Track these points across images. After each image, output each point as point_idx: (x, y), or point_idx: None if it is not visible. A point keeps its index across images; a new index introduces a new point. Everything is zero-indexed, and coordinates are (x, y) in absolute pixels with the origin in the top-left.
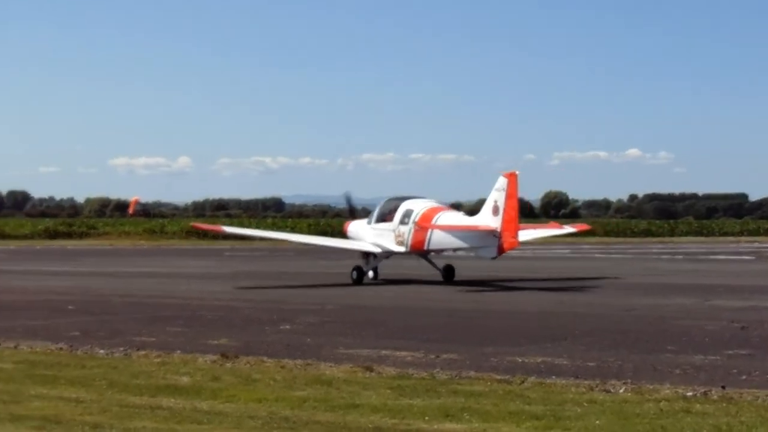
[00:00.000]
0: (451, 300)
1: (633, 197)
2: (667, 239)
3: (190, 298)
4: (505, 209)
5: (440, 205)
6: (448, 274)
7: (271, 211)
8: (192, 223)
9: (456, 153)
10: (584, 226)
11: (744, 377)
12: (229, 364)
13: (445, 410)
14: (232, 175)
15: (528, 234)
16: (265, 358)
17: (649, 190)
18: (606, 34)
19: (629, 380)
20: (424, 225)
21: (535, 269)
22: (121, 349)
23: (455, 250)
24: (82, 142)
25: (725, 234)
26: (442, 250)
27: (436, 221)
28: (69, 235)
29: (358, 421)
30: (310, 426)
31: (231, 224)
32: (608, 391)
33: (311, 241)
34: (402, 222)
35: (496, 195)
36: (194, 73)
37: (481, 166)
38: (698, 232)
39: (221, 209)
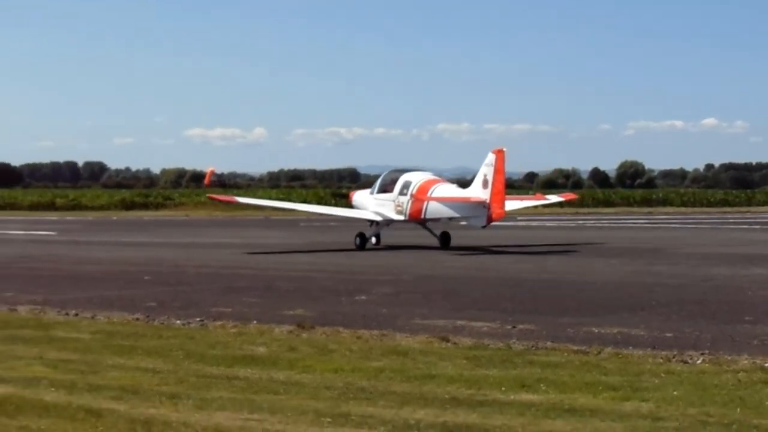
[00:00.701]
0: (518, 270)
1: (709, 167)
2: (744, 209)
3: (265, 269)
4: (493, 183)
5: (436, 178)
6: (445, 241)
7: (346, 181)
8: (208, 195)
9: (531, 123)
10: (571, 196)
11: None
12: (305, 335)
13: (521, 381)
14: (307, 146)
15: (514, 204)
16: (341, 329)
17: (726, 160)
18: (682, 4)
19: (707, 351)
20: (420, 196)
21: (605, 238)
22: (198, 319)
23: (450, 219)
24: (158, 114)
25: None
26: (437, 219)
27: (431, 193)
28: (145, 206)
29: (434, 392)
30: (386, 396)
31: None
32: (685, 362)
33: (318, 210)
34: (401, 193)
35: (486, 170)
36: (269, 44)
37: (556, 136)
38: None
39: (296, 180)
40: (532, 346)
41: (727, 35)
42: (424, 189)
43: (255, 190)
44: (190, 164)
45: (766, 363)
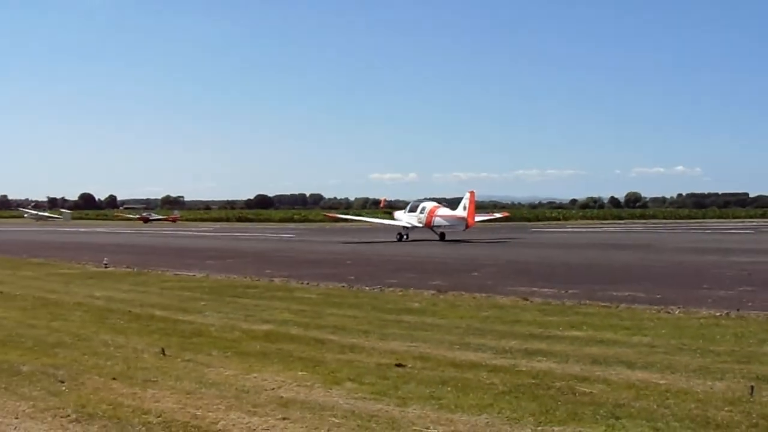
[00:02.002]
0: (566, 258)
1: (680, 195)
2: (700, 221)
3: (418, 257)
4: (468, 208)
5: (438, 204)
6: (442, 237)
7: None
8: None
9: (572, 169)
10: (506, 213)
11: (750, 304)
12: (442, 296)
13: (571, 324)
14: (442, 184)
15: (479, 218)
16: (463, 293)
17: (689, 191)
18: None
19: (681, 306)
20: (431, 214)
21: (617, 239)
22: (378, 286)
23: (445, 226)
24: (356, 163)
25: None
26: (439, 226)
27: (437, 212)
28: (345, 220)
29: (519, 330)
30: (491, 333)
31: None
32: (669, 313)
33: (377, 220)
34: (420, 212)
35: (465, 201)
36: (436, 102)
37: (587, 177)
38: None
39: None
40: (577, 303)
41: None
42: (432, 211)
43: None
44: (372, 195)
45: (716, 313)
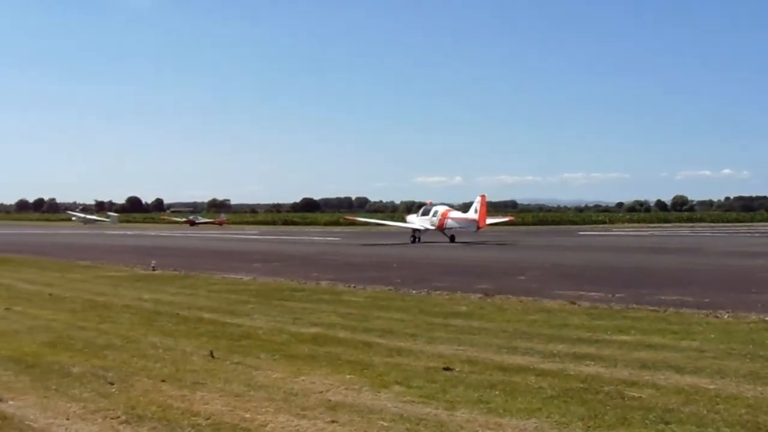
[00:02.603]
0: (614, 260)
1: (727, 198)
2: (748, 224)
3: (464, 259)
4: (479, 210)
5: (449, 208)
6: (452, 239)
7: (508, 207)
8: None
9: (619, 173)
10: (511, 218)
11: None
12: (489, 299)
13: (619, 328)
14: (487, 186)
15: (490, 220)
16: (510, 296)
17: (737, 194)
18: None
19: (730, 310)
20: (443, 217)
21: (665, 242)
22: (425, 290)
23: (457, 228)
24: (398, 167)
25: None
26: (450, 228)
27: (449, 215)
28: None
29: (567, 334)
30: (538, 337)
31: None
32: (717, 317)
33: (391, 223)
34: (433, 215)
35: (476, 204)
36: (457, 105)
37: (633, 180)
38: None
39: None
40: (625, 307)
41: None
42: (445, 214)
43: None
44: (417, 198)
45: (766, 318)
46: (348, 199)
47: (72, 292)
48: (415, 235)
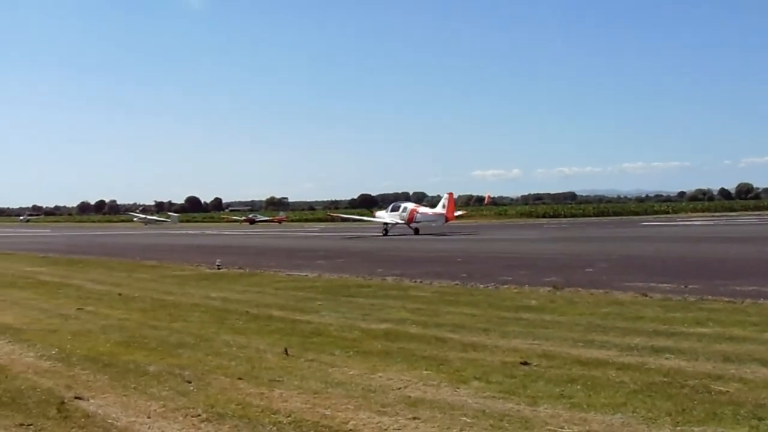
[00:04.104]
0: (681, 250)
1: None
2: None
3: (528, 253)
4: (447, 206)
5: (418, 205)
6: (416, 231)
7: (568, 200)
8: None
9: (681, 161)
10: (462, 213)
11: None
12: (558, 293)
13: (696, 320)
14: (544, 179)
15: (456, 213)
16: (580, 289)
17: None
18: None
19: None
20: (412, 212)
21: (733, 232)
22: (492, 284)
23: (426, 222)
24: (454, 158)
25: None
26: (419, 222)
27: (417, 210)
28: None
29: (642, 327)
30: (613, 330)
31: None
32: None
33: (367, 218)
34: (402, 210)
35: (444, 200)
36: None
37: (696, 169)
38: None
39: (538, 200)
40: (700, 298)
41: None
42: (414, 209)
43: (513, 207)
44: (475, 192)
45: None
46: (405, 195)
47: (140, 291)
48: (385, 228)
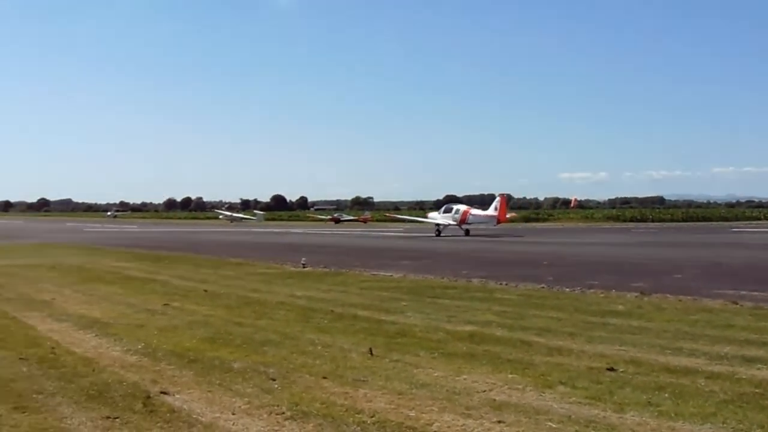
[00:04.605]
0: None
1: None
2: None
3: (615, 258)
4: (499, 207)
5: (469, 207)
6: (467, 233)
7: (656, 204)
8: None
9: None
10: (514, 215)
11: None
12: (646, 298)
13: None
14: (633, 183)
15: (508, 215)
16: (668, 295)
17: None
18: None
19: None
20: (465, 213)
21: None
22: (579, 288)
23: (478, 223)
24: (541, 160)
25: None
26: (471, 223)
27: (470, 212)
28: (536, 220)
29: (733, 336)
30: (702, 338)
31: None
32: None
33: (420, 219)
34: (455, 212)
35: (496, 202)
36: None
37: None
38: None
39: (626, 203)
40: None
41: None
42: (467, 211)
43: (600, 210)
44: (562, 194)
45: None
46: (492, 196)
47: (226, 288)
48: (438, 229)
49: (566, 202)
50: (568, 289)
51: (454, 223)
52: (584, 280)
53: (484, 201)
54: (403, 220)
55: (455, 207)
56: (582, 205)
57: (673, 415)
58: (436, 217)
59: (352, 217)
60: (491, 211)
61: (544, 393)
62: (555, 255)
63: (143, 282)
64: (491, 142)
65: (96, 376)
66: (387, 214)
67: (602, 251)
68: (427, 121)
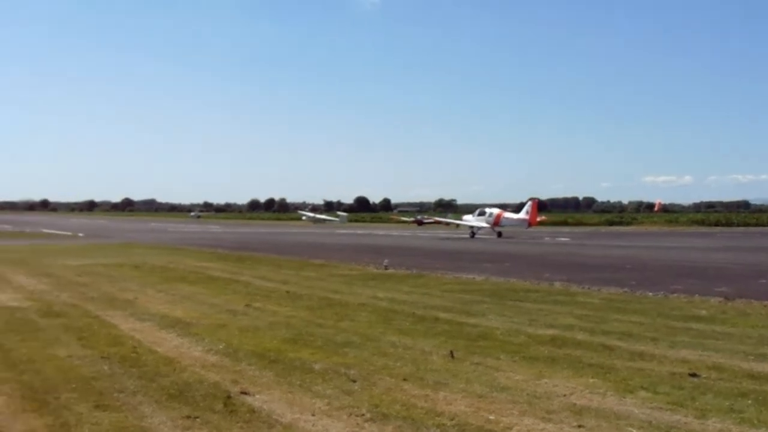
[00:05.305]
0: None
1: None
2: None
3: (701, 261)
4: (530, 211)
5: (502, 211)
6: (499, 235)
7: (741, 209)
8: (413, 219)
9: None
10: (543, 218)
11: None
12: (729, 303)
13: None
14: (717, 186)
15: (538, 218)
16: (752, 300)
17: None
18: None
19: None
20: (498, 216)
21: None
22: (662, 292)
23: (510, 226)
24: (625, 163)
25: None
26: (503, 226)
27: (503, 215)
28: (620, 223)
29: None
30: None
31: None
32: None
33: (453, 221)
34: (489, 215)
35: (527, 207)
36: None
37: None
38: None
39: (710, 207)
40: None
41: None
42: (500, 214)
43: (685, 214)
44: (646, 198)
45: None
46: (575, 200)
47: (308, 289)
48: (472, 231)
49: (650, 206)
50: (650, 294)
51: (488, 225)
52: (667, 285)
53: (567, 204)
54: (440, 223)
55: (489, 210)
56: (666, 208)
57: (755, 422)
58: (470, 219)
59: (431, 219)
60: (523, 215)
61: (625, 398)
62: (638, 259)
63: (225, 282)
64: (574, 144)
65: (177, 375)
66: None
67: (686, 255)
68: (512, 123)
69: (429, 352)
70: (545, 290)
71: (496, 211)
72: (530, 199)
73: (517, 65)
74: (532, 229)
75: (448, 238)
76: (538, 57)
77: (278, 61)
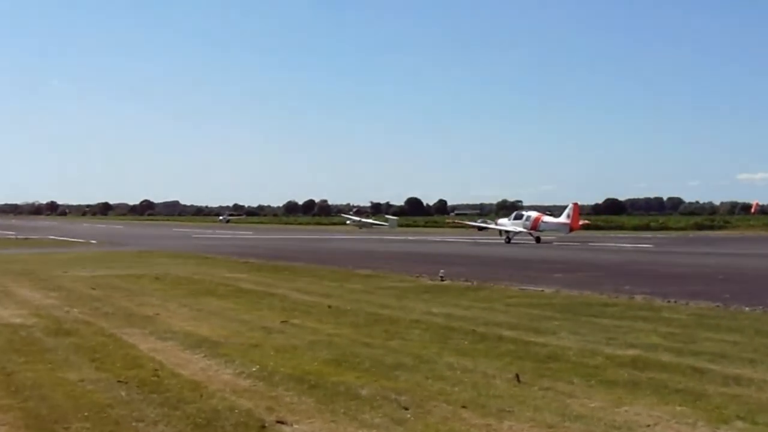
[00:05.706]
0: None
1: None
2: None
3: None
4: (572, 215)
5: (541, 214)
6: (537, 240)
7: None
8: (447, 220)
9: None
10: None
11: None
12: None
13: None
14: None
15: (580, 222)
16: None
17: None
18: None
19: None
20: (536, 220)
21: None
22: (760, 307)
23: (549, 230)
24: (716, 159)
25: None
26: (542, 231)
27: (542, 219)
28: (711, 227)
29: None
30: None
31: None
32: None
33: (492, 226)
34: (526, 219)
35: (569, 210)
36: None
37: None
38: None
39: None
40: None
41: None
42: (537, 218)
43: None
44: (741, 198)
45: None
46: (659, 200)
47: (353, 304)
48: (507, 236)
49: (746, 207)
50: (747, 309)
51: (525, 230)
52: (767, 299)
53: (650, 205)
54: (471, 227)
55: (526, 214)
56: (764, 210)
57: None
58: (506, 223)
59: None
60: (563, 219)
61: (718, 428)
62: (732, 268)
63: (259, 296)
64: (659, 138)
65: (204, 402)
66: (456, 221)
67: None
68: (587, 114)
69: (492, 375)
70: (625, 304)
71: (534, 214)
72: (573, 203)
73: (595, 52)
74: (585, 234)
75: (495, 244)
76: (622, 40)
77: (317, 51)
